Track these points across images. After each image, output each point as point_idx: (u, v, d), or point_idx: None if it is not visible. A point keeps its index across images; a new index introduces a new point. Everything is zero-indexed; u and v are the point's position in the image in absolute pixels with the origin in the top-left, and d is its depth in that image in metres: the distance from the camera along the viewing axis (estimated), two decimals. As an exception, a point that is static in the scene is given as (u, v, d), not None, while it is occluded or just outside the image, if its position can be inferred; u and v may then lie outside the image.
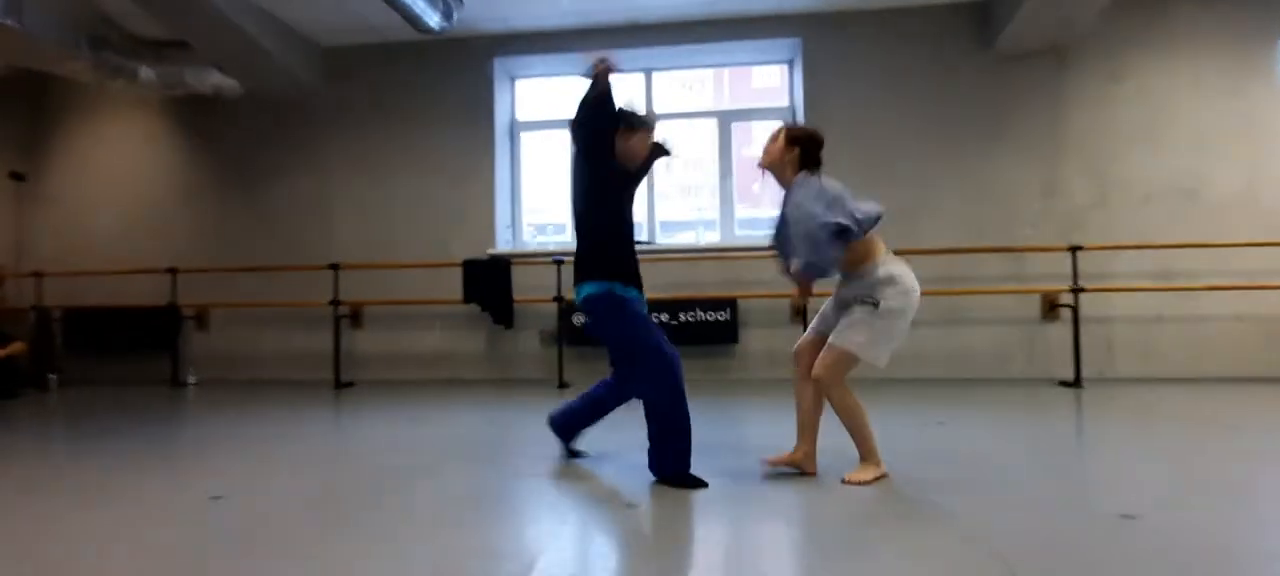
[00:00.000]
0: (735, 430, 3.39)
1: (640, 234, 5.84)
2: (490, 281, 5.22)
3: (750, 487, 2.34)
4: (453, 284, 5.46)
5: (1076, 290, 4.77)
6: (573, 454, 2.83)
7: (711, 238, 5.85)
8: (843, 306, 2.44)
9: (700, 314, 5.19)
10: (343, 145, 5.86)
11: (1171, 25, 5.14)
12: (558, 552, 1.80)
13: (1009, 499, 2.17)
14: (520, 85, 6.15)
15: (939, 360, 5.12)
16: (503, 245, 5.68)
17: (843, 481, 2.34)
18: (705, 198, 6.09)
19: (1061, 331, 4.98)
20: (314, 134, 5.91)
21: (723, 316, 5.18)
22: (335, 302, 5.39)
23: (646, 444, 2.43)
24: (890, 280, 2.32)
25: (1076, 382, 4.70)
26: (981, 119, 5.25)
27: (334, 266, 5.45)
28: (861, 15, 5.37)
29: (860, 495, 2.23)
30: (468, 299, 5.22)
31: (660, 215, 5.96)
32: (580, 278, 2.48)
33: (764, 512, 2.12)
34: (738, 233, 5.80)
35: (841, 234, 2.26)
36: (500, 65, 5.81)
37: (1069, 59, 5.18)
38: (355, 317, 5.67)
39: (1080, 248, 4.83)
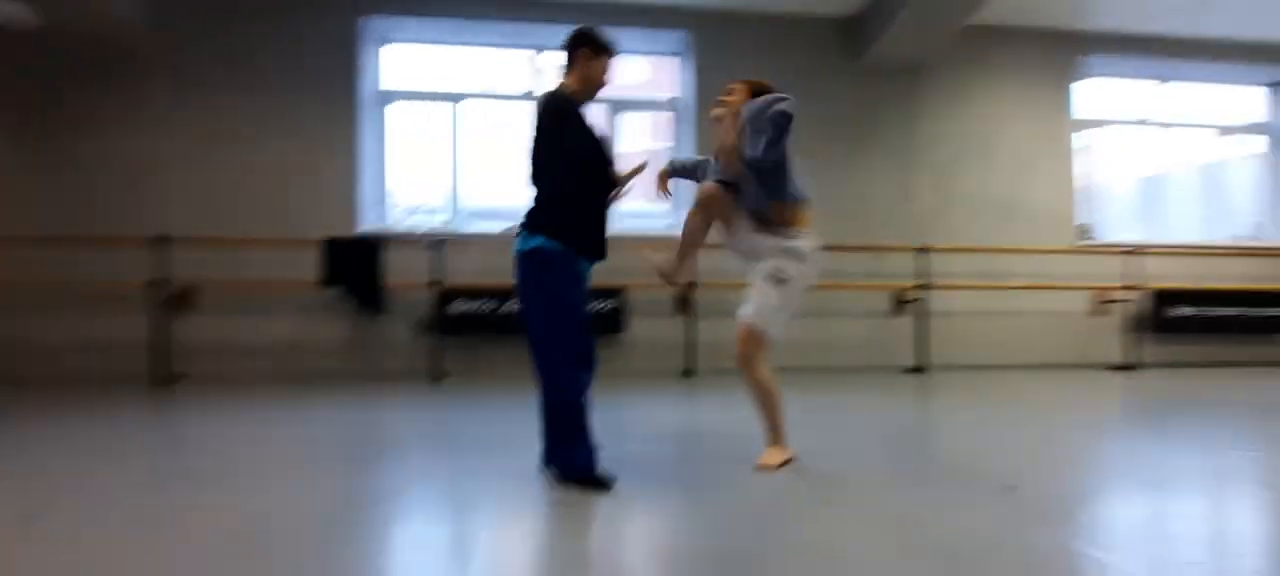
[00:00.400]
0: (632, 418, 3.35)
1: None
2: (356, 264, 4.74)
3: (660, 475, 2.30)
4: (308, 265, 4.90)
5: (924, 287, 5.31)
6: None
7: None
8: (754, 257, 2.42)
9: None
10: (176, 100, 5.01)
11: (1003, 56, 5.87)
12: (435, 567, 1.63)
13: (903, 473, 2.34)
14: (388, 51, 5.63)
15: (808, 349, 5.44)
16: (368, 224, 5.19)
17: (756, 467, 2.38)
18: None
19: (907, 323, 5.52)
20: (138, 84, 4.99)
21: (610, 306, 5.13)
22: (159, 282, 4.61)
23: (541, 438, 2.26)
24: (800, 254, 2.37)
25: (921, 369, 5.24)
26: (848, 126, 5.65)
27: (160, 239, 4.65)
28: (747, 16, 5.54)
29: (774, 477, 2.29)
30: (328, 282, 4.70)
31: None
32: (535, 228, 2.15)
33: (683, 505, 2.07)
34: (626, 222, 5.77)
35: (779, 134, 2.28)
36: (367, 26, 5.28)
37: (923, 77, 5.73)
38: (185, 300, 4.89)
39: (928, 249, 5.37)
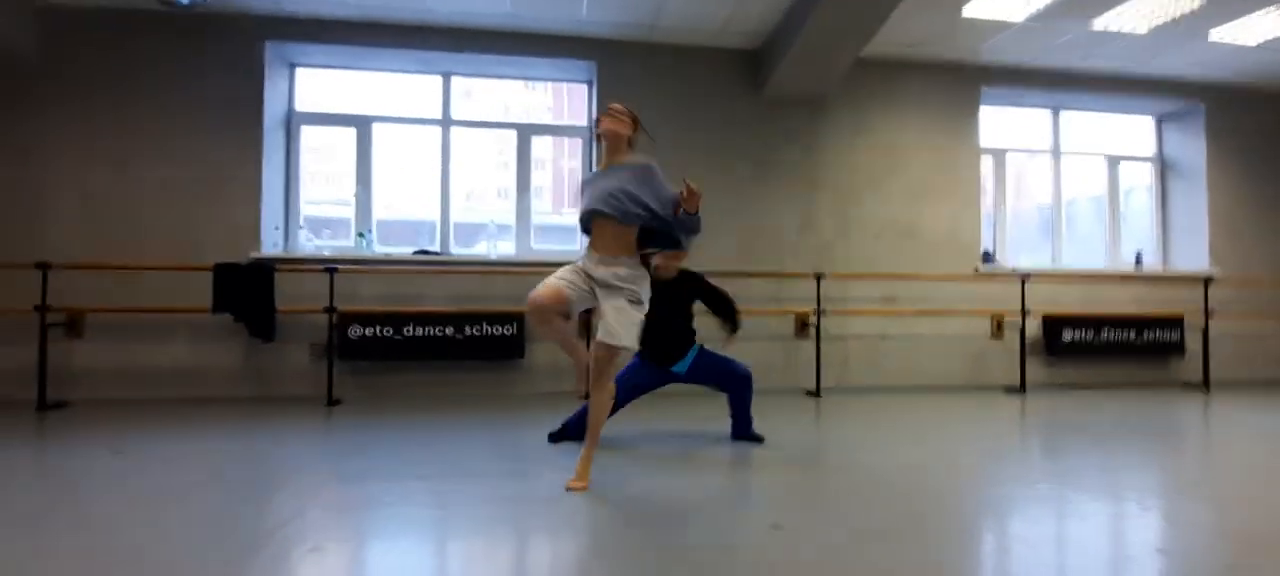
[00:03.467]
0: (520, 445, 3.41)
1: (434, 243, 5.70)
2: (248, 289, 4.73)
3: (544, 498, 2.37)
4: (204, 289, 4.88)
5: (820, 312, 5.47)
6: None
7: (506, 248, 5.84)
8: (602, 286, 2.64)
9: (486, 327, 5.15)
10: (65, 125, 4.96)
11: (904, 88, 6.08)
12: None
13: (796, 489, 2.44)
14: (301, 74, 5.67)
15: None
16: (269, 248, 5.18)
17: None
18: (503, 204, 6.04)
19: (812, 347, 5.66)
20: (25, 109, 4.94)
21: (509, 331, 5.18)
22: (42, 308, 4.56)
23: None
24: (646, 275, 2.73)
25: (816, 392, 5.38)
26: (752, 156, 5.81)
27: (43, 266, 4.59)
28: (652, 47, 5.68)
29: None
30: (217, 308, 4.69)
31: (455, 218, 5.81)
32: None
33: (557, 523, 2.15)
34: (534, 247, 5.85)
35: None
36: (274, 50, 5.30)
37: (825, 109, 5.92)
38: (73, 326, 4.83)
39: (824, 275, 5.53)
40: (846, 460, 3.34)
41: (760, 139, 5.82)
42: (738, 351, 6.04)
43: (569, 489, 2.59)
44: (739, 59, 5.81)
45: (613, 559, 2.02)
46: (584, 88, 6.04)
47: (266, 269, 4.80)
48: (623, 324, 2.60)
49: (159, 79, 5.08)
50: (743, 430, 3.64)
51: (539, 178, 6.19)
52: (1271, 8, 4.95)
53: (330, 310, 4.85)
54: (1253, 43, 5.45)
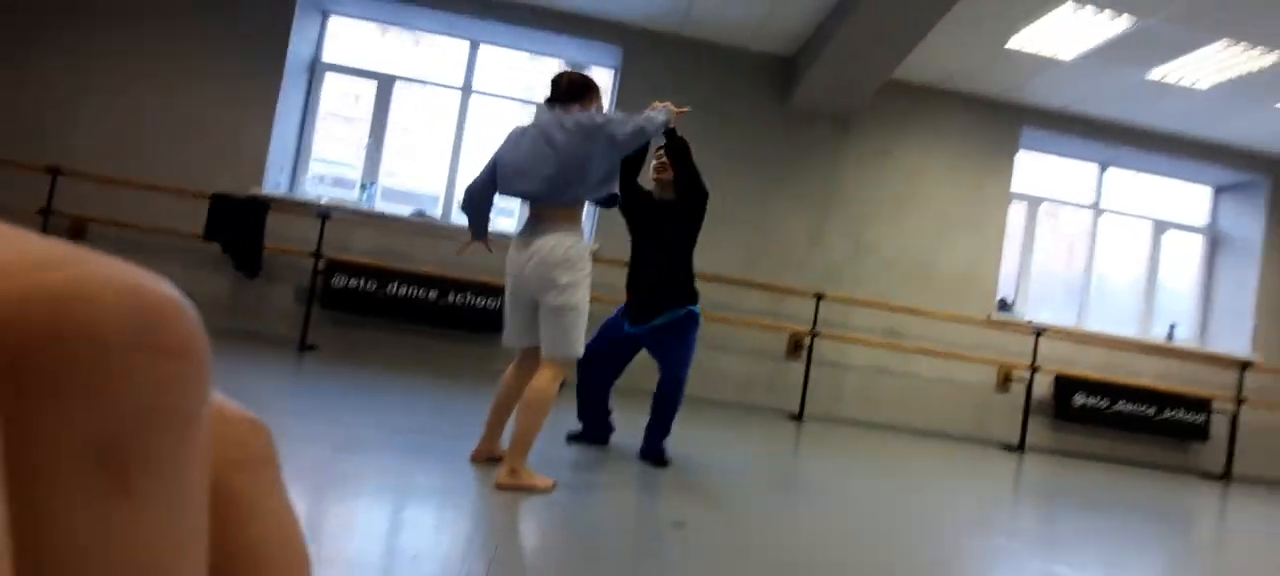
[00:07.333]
0: (463, 413, 3.31)
1: (436, 210, 5.66)
2: (239, 222, 4.75)
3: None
4: (201, 218, 4.92)
5: (814, 333, 5.23)
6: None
7: (507, 224, 5.76)
8: (535, 287, 2.35)
9: (471, 297, 5.07)
10: (108, 33, 5.09)
11: (936, 117, 5.80)
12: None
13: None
14: (333, 23, 5.70)
15: (693, 381, 5.36)
16: (272, 187, 5.21)
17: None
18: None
19: (801, 369, 5.42)
20: (77, 15, 5.07)
21: (493, 304, 5.10)
22: (46, 211, 4.66)
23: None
24: (585, 245, 2.50)
25: (799, 417, 5.15)
26: (768, 164, 5.61)
27: (53, 170, 4.70)
28: (682, 41, 5.54)
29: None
30: (209, 236, 4.72)
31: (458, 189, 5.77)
32: (689, 298, 3.05)
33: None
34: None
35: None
36: (304, -7, 5.35)
37: (851, 126, 5.68)
38: (76, 233, 4.94)
39: (823, 296, 5.30)
40: (799, 490, 3.15)
41: (781, 149, 5.62)
42: (724, 366, 5.96)
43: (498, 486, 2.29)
44: (769, 64, 5.62)
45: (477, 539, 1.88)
46: (609, 73, 5.93)
47: (260, 204, 4.82)
48: (565, 330, 2.29)
49: (199, 6, 5.17)
50: (654, 446, 2.96)
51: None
52: (1348, 78, 4.54)
53: (316, 255, 4.84)
54: (1326, 116, 5.02)
